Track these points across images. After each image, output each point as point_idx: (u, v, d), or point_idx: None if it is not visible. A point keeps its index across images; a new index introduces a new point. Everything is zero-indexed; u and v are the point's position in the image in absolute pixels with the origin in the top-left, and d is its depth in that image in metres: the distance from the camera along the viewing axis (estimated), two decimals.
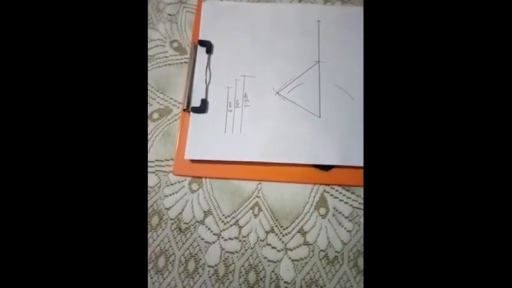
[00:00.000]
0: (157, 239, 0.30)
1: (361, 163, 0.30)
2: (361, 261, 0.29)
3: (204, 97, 0.33)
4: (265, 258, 0.29)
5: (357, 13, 0.36)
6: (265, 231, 0.30)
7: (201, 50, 0.35)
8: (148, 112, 0.34)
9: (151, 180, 0.31)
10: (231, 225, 0.30)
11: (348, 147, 0.31)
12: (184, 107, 0.32)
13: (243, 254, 0.29)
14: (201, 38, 0.35)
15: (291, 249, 0.29)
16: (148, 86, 0.34)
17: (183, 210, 0.30)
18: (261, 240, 0.29)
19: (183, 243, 0.29)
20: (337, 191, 0.31)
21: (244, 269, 0.29)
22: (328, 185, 0.31)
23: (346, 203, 0.30)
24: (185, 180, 0.31)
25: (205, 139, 0.32)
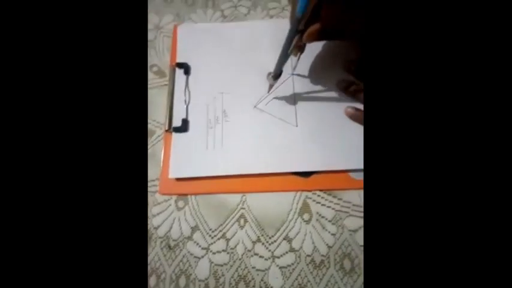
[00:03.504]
0: (147, 258, 0.30)
1: (339, 167, 0.31)
2: (347, 263, 0.29)
3: (184, 117, 0.34)
4: (253, 267, 0.30)
5: None
6: (252, 242, 0.30)
7: (179, 72, 0.36)
8: None
9: None
10: (219, 239, 0.31)
11: (326, 153, 0.32)
12: (166, 128, 0.34)
13: (231, 266, 0.30)
14: (178, 60, 0.37)
15: (278, 257, 0.30)
16: None
17: (171, 227, 0.31)
18: (248, 250, 0.30)
19: (173, 260, 0.30)
20: (318, 196, 0.32)
21: (234, 280, 0.29)
22: (309, 191, 0.32)
23: (328, 207, 0.31)
24: (171, 198, 0.32)
25: (188, 157, 0.33)
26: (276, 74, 0.31)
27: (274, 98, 0.35)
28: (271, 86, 0.33)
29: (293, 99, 0.35)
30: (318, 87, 0.35)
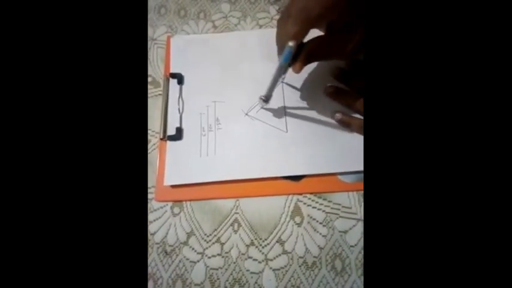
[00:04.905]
0: (147, 265, 0.31)
1: (328, 170, 0.33)
2: (338, 263, 0.30)
3: (178, 125, 0.35)
4: (247, 270, 0.30)
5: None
6: (246, 245, 0.31)
7: (173, 82, 0.38)
8: None
9: None
10: (213, 243, 0.32)
11: (316, 157, 0.33)
12: (161, 136, 0.35)
13: (226, 269, 0.31)
14: (172, 70, 0.38)
15: (271, 260, 0.31)
16: None
17: (167, 233, 0.32)
18: (242, 254, 0.31)
19: (170, 265, 0.31)
20: (309, 199, 0.33)
21: (229, 283, 0.30)
22: (300, 194, 0.33)
23: (319, 209, 0.32)
24: (167, 205, 0.33)
25: (183, 164, 0.34)
26: (268, 98, 0.33)
27: (265, 105, 0.36)
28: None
29: (283, 106, 0.36)
30: (307, 94, 0.36)
